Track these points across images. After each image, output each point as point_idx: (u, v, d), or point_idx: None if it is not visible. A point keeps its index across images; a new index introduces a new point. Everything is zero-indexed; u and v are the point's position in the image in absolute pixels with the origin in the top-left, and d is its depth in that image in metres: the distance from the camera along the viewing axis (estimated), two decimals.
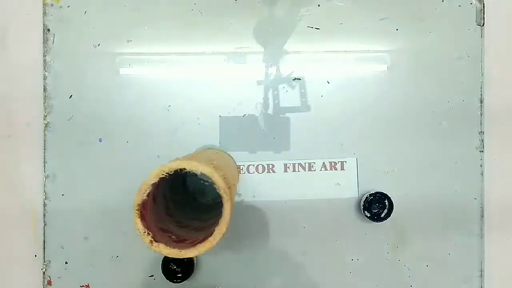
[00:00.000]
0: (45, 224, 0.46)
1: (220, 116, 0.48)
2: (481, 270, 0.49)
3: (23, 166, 0.47)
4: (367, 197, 0.47)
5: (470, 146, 0.49)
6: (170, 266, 0.45)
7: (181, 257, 0.32)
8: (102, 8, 0.47)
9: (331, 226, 0.45)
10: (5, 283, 0.47)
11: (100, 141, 0.47)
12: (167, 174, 0.32)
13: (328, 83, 0.49)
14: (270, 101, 0.48)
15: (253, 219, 0.47)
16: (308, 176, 0.48)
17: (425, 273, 0.48)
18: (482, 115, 0.49)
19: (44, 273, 0.46)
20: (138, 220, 0.31)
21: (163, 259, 0.45)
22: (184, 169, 0.32)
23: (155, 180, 0.31)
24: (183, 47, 0.48)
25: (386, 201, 0.46)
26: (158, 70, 0.48)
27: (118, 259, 0.46)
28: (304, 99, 0.48)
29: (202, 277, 0.47)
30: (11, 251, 0.47)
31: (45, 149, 0.46)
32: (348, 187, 0.48)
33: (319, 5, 0.49)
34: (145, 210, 0.32)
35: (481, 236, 0.49)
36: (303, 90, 0.48)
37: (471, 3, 0.49)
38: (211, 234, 0.32)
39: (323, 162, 0.48)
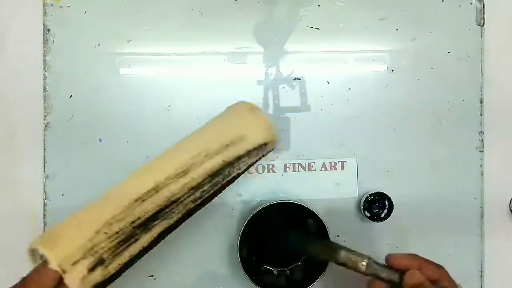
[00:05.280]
0: (45, 224, 0.46)
1: None
2: (481, 270, 0.49)
3: (23, 166, 0.47)
4: (367, 197, 0.47)
5: (470, 146, 0.49)
6: None
7: None
8: (102, 8, 0.47)
9: (331, 226, 0.45)
10: (6, 283, 0.47)
11: (100, 141, 0.47)
12: None
13: (328, 83, 0.49)
14: (270, 101, 0.48)
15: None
16: (308, 176, 0.48)
17: None
18: (482, 115, 0.49)
19: None
20: None
21: None
22: None
23: None
24: (183, 47, 0.48)
25: (386, 201, 0.46)
26: (158, 70, 0.48)
27: None
28: (304, 99, 0.48)
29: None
30: (11, 251, 0.47)
31: (45, 149, 0.46)
32: (348, 187, 0.48)
33: (319, 5, 0.49)
34: None
35: (481, 236, 0.49)
36: (303, 90, 0.48)
37: (471, 3, 0.49)
38: None
39: (323, 162, 0.48)
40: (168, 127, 0.47)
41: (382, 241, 0.48)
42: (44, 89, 0.47)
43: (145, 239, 0.38)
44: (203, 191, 0.40)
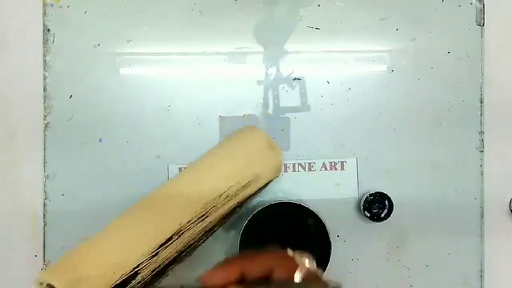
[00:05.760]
0: (45, 224, 0.46)
1: (220, 116, 0.48)
2: (481, 270, 0.49)
3: (23, 166, 0.47)
4: (367, 197, 0.47)
5: (470, 146, 0.49)
6: None
7: None
8: (102, 8, 0.47)
9: (331, 226, 0.45)
10: (6, 283, 0.47)
11: (100, 141, 0.47)
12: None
13: (328, 83, 0.49)
14: (270, 101, 0.48)
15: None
16: (308, 176, 0.48)
17: (425, 273, 0.48)
18: (482, 115, 0.49)
19: None
20: None
21: None
22: None
23: None
24: (183, 47, 0.48)
25: (386, 201, 0.46)
26: (158, 70, 0.48)
27: None
28: (304, 99, 0.48)
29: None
30: (11, 251, 0.47)
31: (45, 149, 0.46)
32: (348, 187, 0.48)
33: (319, 5, 0.49)
34: None
35: (481, 236, 0.49)
36: (303, 90, 0.48)
37: (471, 3, 0.49)
38: None
39: (323, 162, 0.48)
40: (168, 127, 0.47)
41: (382, 241, 0.48)
42: (44, 89, 0.47)
43: (156, 283, 0.36)
44: (213, 232, 0.39)
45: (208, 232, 0.39)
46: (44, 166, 0.46)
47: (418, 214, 0.48)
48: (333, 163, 0.48)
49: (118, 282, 0.33)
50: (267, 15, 0.48)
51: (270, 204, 0.44)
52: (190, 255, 0.39)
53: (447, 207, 0.49)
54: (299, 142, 0.48)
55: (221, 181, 0.39)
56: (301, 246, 0.46)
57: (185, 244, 0.37)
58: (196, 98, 0.48)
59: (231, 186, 0.38)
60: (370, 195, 0.47)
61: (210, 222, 0.38)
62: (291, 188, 0.48)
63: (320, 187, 0.48)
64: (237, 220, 0.47)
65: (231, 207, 0.39)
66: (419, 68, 0.49)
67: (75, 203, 0.46)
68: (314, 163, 0.48)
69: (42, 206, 0.46)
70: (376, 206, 0.47)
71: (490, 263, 0.49)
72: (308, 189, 0.48)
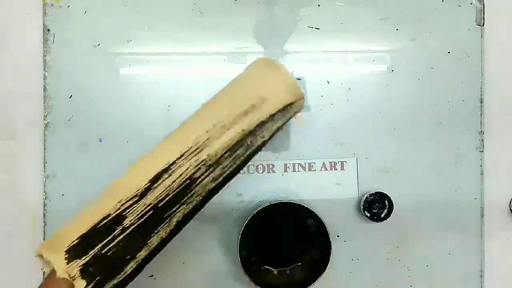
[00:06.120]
0: (45, 224, 0.46)
1: None
2: (481, 270, 0.49)
3: (23, 166, 0.47)
4: (367, 197, 0.47)
5: (470, 146, 0.49)
6: None
7: None
8: (102, 8, 0.47)
9: (331, 226, 0.45)
10: (5, 283, 0.47)
11: (100, 141, 0.47)
12: None
13: (328, 83, 0.49)
14: None
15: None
16: (308, 176, 0.48)
17: (425, 273, 0.48)
18: (482, 115, 0.49)
19: (44, 273, 0.46)
20: None
21: None
22: None
23: None
24: (183, 47, 0.48)
25: (386, 201, 0.46)
26: (158, 70, 0.48)
27: None
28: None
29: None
30: (11, 251, 0.47)
31: (45, 149, 0.46)
32: (348, 187, 0.48)
33: (319, 5, 0.49)
34: None
35: (481, 236, 0.49)
36: (303, 90, 0.48)
37: (471, 3, 0.49)
38: None
39: (323, 162, 0.48)
40: (168, 127, 0.47)
41: (382, 241, 0.48)
42: (44, 89, 0.47)
43: (163, 232, 0.35)
44: (224, 167, 0.36)
45: (214, 168, 0.35)
46: (44, 166, 0.46)
47: (418, 214, 0.48)
48: (333, 163, 0.48)
49: (98, 226, 0.33)
50: (267, 15, 0.48)
51: (270, 204, 0.44)
52: (198, 198, 0.36)
53: (447, 207, 0.49)
54: (299, 142, 0.48)
55: (210, 112, 0.37)
56: (301, 246, 0.46)
57: (180, 182, 0.34)
58: (196, 98, 0.47)
59: (222, 115, 0.36)
60: (370, 195, 0.47)
61: (209, 155, 0.35)
62: (291, 188, 0.48)
63: (320, 187, 0.48)
64: (237, 220, 0.47)
65: (235, 136, 0.36)
66: (419, 68, 0.49)
67: (75, 203, 0.46)
68: (314, 163, 0.48)
69: (42, 206, 0.46)
70: (376, 206, 0.47)
71: (490, 263, 0.49)
72: (308, 189, 0.48)
